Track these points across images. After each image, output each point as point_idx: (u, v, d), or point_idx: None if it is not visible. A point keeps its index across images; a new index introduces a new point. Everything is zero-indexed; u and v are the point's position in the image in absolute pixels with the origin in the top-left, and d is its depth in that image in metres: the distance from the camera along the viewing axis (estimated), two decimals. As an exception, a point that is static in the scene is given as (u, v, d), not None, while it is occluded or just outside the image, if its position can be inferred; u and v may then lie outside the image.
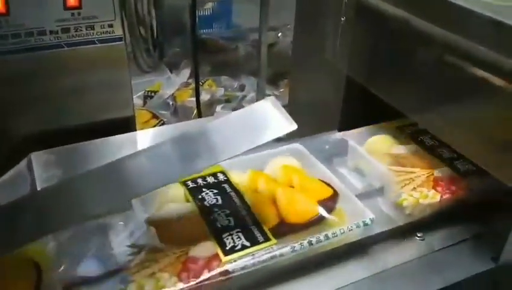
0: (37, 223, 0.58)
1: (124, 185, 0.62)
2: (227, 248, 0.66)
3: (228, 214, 0.72)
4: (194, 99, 1.77)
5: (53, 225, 0.59)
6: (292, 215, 0.73)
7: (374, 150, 0.91)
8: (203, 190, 0.76)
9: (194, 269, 0.64)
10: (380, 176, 0.85)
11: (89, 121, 1.04)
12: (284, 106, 0.66)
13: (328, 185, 0.80)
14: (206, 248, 0.67)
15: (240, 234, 0.68)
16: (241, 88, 2.17)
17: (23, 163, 0.81)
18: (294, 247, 0.68)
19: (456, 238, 0.80)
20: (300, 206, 0.75)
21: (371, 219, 0.73)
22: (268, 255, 0.66)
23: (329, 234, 0.70)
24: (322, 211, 0.73)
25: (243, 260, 0.65)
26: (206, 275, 0.63)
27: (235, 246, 0.67)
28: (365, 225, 0.73)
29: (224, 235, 0.68)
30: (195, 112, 1.79)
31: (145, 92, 2.04)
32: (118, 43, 1.01)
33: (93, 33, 0.98)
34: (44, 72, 0.97)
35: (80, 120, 1.04)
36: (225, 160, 0.70)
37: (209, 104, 2.00)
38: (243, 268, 0.65)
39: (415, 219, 0.80)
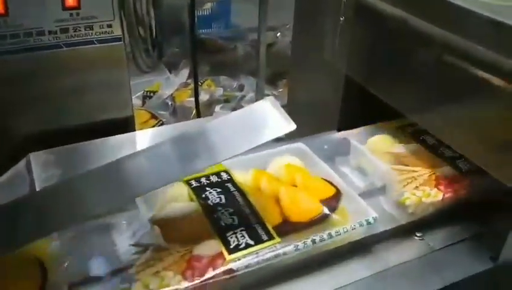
0: (36, 223, 0.58)
1: (123, 185, 0.62)
2: (231, 247, 0.67)
3: (232, 212, 0.72)
4: (193, 99, 1.77)
5: (53, 225, 0.59)
6: (295, 214, 0.73)
7: (376, 149, 0.91)
8: (207, 189, 0.77)
9: (199, 268, 0.64)
10: (382, 175, 0.85)
11: (88, 121, 1.05)
12: (282, 106, 0.66)
13: (331, 183, 0.80)
14: (210, 247, 0.67)
15: (244, 233, 0.69)
16: (240, 88, 2.16)
17: (22, 163, 0.81)
18: (298, 246, 0.68)
19: (455, 238, 0.80)
20: (303, 205, 0.75)
21: (374, 218, 0.73)
22: (272, 254, 0.67)
23: (333, 233, 0.71)
24: (325, 210, 0.74)
25: (247, 258, 0.65)
26: (210, 273, 0.63)
27: (239, 245, 0.67)
28: (368, 223, 0.73)
29: (228, 234, 0.68)
30: (194, 112, 1.79)
31: (144, 92, 2.03)
32: (116, 43, 1.01)
33: (92, 33, 0.98)
34: (43, 72, 0.97)
35: (79, 120, 1.04)
36: (224, 160, 0.71)
37: (208, 104, 2.00)
38: (247, 267, 0.65)
39: (417, 217, 0.80)
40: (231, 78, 2.22)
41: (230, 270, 0.64)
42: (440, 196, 0.80)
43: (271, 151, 0.86)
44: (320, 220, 0.73)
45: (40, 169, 0.80)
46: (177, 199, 0.75)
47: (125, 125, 1.09)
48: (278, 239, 0.68)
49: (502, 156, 0.70)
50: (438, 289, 0.72)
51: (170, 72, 2.20)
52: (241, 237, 0.68)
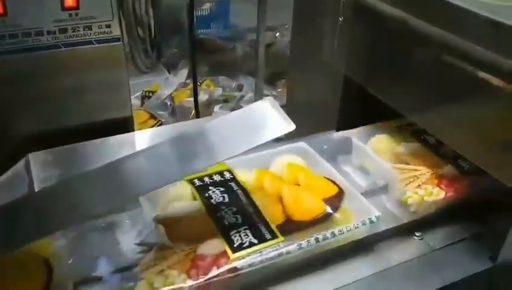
0: (36, 223, 0.58)
1: (122, 186, 0.62)
2: (235, 245, 0.67)
3: (235, 211, 0.72)
4: (192, 99, 1.77)
5: (52, 225, 0.59)
6: (298, 213, 0.74)
7: (378, 148, 0.91)
8: (210, 188, 0.77)
9: (203, 266, 0.64)
10: (384, 173, 0.85)
11: (86, 121, 1.04)
12: (281, 106, 0.66)
13: (333, 182, 0.80)
14: (214, 245, 0.67)
15: (248, 232, 0.69)
16: (239, 88, 2.17)
17: (21, 163, 0.81)
18: (301, 244, 0.68)
19: (455, 238, 0.80)
20: (306, 203, 0.75)
21: (377, 217, 0.74)
22: (276, 253, 0.67)
23: (336, 232, 0.71)
24: (328, 209, 0.74)
25: (251, 257, 0.66)
26: (214, 272, 0.64)
27: (243, 244, 0.67)
28: (371, 222, 0.73)
29: (231, 233, 0.69)
30: (193, 112, 1.79)
31: (143, 93, 2.03)
32: (115, 43, 1.01)
33: (90, 33, 0.98)
34: (41, 72, 0.97)
35: (78, 120, 1.04)
36: (224, 160, 0.70)
37: (207, 104, 2.00)
38: (250, 265, 0.65)
39: (419, 216, 0.80)
40: (230, 78, 2.22)
41: (234, 269, 0.64)
42: (442, 195, 0.80)
43: (273, 151, 0.86)
44: (323, 219, 0.73)
45: (39, 169, 0.80)
46: (181, 198, 0.76)
47: (124, 125, 1.09)
48: (281, 238, 0.68)
49: (501, 156, 0.70)
50: (437, 288, 0.72)
51: (169, 72, 2.20)
52: (244, 235, 0.68)
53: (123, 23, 1.21)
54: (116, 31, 1.00)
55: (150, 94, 2.03)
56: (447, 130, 0.79)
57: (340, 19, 0.96)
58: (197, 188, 0.77)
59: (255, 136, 0.64)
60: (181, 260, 0.65)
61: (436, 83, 0.79)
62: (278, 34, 2.47)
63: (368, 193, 0.82)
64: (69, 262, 0.66)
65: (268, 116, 0.64)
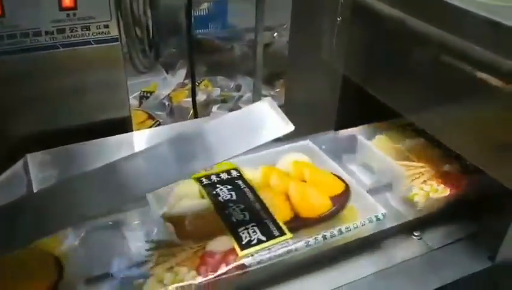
0: (35, 223, 0.58)
1: (121, 186, 0.62)
2: (243, 243, 0.67)
3: (243, 209, 0.73)
4: (190, 99, 1.77)
5: (51, 225, 0.59)
6: (306, 209, 0.74)
7: (382, 146, 0.91)
8: (217, 186, 0.77)
9: (212, 263, 0.65)
10: (389, 171, 0.86)
11: (85, 121, 1.04)
12: (279, 106, 0.66)
13: (340, 179, 0.81)
14: (222, 243, 0.67)
15: (256, 229, 0.69)
16: (237, 88, 2.17)
17: (19, 164, 0.81)
18: (309, 241, 0.69)
19: (453, 237, 0.80)
20: (313, 200, 0.76)
21: (383, 214, 0.74)
22: (284, 250, 0.67)
23: (343, 229, 0.71)
24: (335, 206, 0.75)
25: (259, 254, 0.66)
26: (223, 269, 0.64)
27: (251, 241, 0.67)
28: (378, 220, 0.74)
29: (240, 230, 0.69)
30: (191, 112, 1.79)
31: (141, 93, 2.03)
32: (113, 43, 1.01)
33: (88, 34, 0.98)
34: (40, 72, 0.97)
35: (76, 121, 1.04)
36: (223, 161, 0.71)
37: (205, 105, 2.00)
38: (259, 262, 0.66)
39: (424, 213, 0.81)
40: (228, 78, 2.22)
41: (243, 266, 0.65)
42: (447, 192, 0.81)
43: (279, 149, 0.87)
44: (330, 216, 0.74)
45: (37, 170, 0.80)
46: (188, 196, 0.76)
47: (123, 125, 1.09)
48: (289, 235, 0.69)
49: (500, 157, 0.70)
50: (436, 288, 0.72)
51: (167, 73, 2.20)
52: (252, 232, 0.69)
53: (121, 23, 1.21)
54: (114, 31, 1.00)
55: (148, 94, 2.03)
56: (446, 130, 0.79)
57: (339, 19, 0.96)
58: (205, 186, 0.77)
59: (254, 137, 0.64)
60: (190, 257, 0.66)
61: (435, 83, 0.79)
62: (276, 34, 2.47)
63: (373, 191, 0.82)
64: (80, 260, 0.67)
65: (267, 117, 0.64)
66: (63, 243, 0.68)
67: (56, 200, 0.61)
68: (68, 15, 0.94)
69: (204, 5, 2.53)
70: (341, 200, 0.76)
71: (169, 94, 2.03)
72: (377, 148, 0.90)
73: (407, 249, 0.78)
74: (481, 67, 0.69)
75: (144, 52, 1.62)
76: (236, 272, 0.64)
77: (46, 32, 0.94)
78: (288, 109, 1.17)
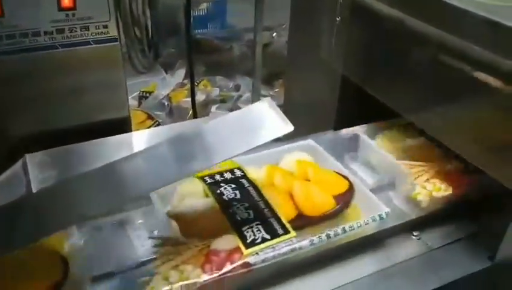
0: (34, 224, 0.58)
1: (120, 186, 0.62)
2: (248, 241, 0.67)
3: (247, 207, 0.73)
4: (189, 99, 1.77)
5: (51, 226, 0.59)
6: (309, 208, 0.74)
7: (385, 145, 0.92)
8: (221, 184, 0.77)
9: (217, 262, 0.65)
10: (392, 169, 0.86)
11: (84, 121, 1.04)
12: (279, 106, 0.66)
13: (344, 177, 0.81)
14: (227, 241, 0.68)
15: (260, 227, 0.69)
16: (237, 88, 2.16)
17: (18, 164, 0.81)
18: (313, 240, 0.69)
19: (453, 237, 0.80)
20: (317, 199, 0.76)
21: (387, 213, 0.74)
22: (289, 248, 0.67)
23: (347, 227, 0.71)
24: (339, 204, 0.75)
25: (264, 252, 0.66)
26: (228, 267, 0.64)
27: (256, 239, 0.68)
28: (381, 218, 0.74)
29: (244, 229, 0.69)
30: (190, 112, 1.79)
31: (140, 93, 2.03)
32: (112, 43, 1.01)
33: (88, 34, 0.98)
34: (39, 73, 0.97)
35: (75, 121, 1.04)
36: (222, 161, 0.71)
37: (205, 105, 2.00)
38: (263, 261, 0.66)
39: (427, 212, 0.81)
40: (227, 78, 2.22)
41: (248, 264, 0.65)
42: (450, 191, 0.81)
43: (282, 148, 0.87)
44: (334, 215, 0.74)
45: (36, 170, 0.80)
46: (193, 195, 0.76)
47: (122, 125, 1.09)
48: (293, 233, 0.69)
49: (499, 157, 0.70)
50: (435, 288, 0.72)
51: (166, 73, 2.20)
52: (257, 231, 0.69)
53: (120, 23, 1.21)
54: (113, 32, 1.00)
55: (147, 94, 2.02)
56: (445, 130, 0.79)
57: (338, 18, 0.96)
58: (209, 185, 0.77)
59: (253, 137, 0.64)
60: (195, 255, 0.66)
61: (434, 82, 0.79)
62: (275, 34, 2.47)
63: (375, 190, 0.82)
64: (85, 258, 0.67)
65: (267, 117, 0.64)
66: (68, 242, 0.68)
67: (56, 200, 0.61)
68: (67, 15, 0.94)
69: (203, 5, 2.53)
70: (345, 198, 0.77)
71: (168, 94, 2.03)
72: (379, 147, 0.90)
73: (406, 249, 0.78)
74: (480, 67, 0.69)
75: (143, 52, 1.62)
76: (241, 271, 0.65)
77: (45, 33, 0.94)
78: (288, 109, 1.17)
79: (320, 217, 0.73)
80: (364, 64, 0.94)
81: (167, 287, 0.62)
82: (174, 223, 0.70)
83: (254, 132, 0.64)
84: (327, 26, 0.99)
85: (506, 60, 0.64)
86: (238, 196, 0.75)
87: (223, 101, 2.06)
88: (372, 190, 0.81)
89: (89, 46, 0.99)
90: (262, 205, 0.73)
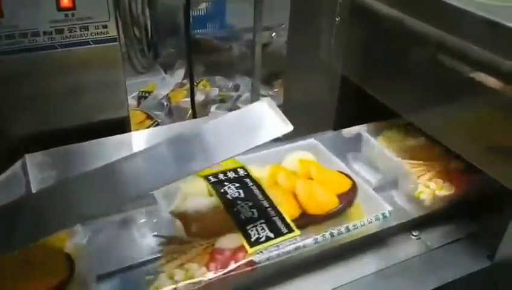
0: (34, 224, 0.58)
1: (120, 187, 0.62)
2: (252, 240, 0.68)
3: (251, 206, 0.73)
4: (188, 99, 1.77)
5: (50, 226, 0.59)
6: (313, 207, 0.75)
7: (388, 143, 0.92)
8: (225, 183, 0.78)
9: (222, 260, 0.66)
10: (394, 168, 0.86)
11: (83, 121, 1.04)
12: (278, 106, 0.66)
13: (347, 176, 0.82)
14: (231, 240, 0.68)
15: (264, 226, 0.70)
16: (236, 88, 2.16)
17: (18, 164, 0.81)
18: (317, 238, 0.69)
19: (452, 237, 0.80)
20: (321, 198, 0.76)
21: (390, 212, 0.75)
22: (293, 246, 0.68)
23: (350, 226, 0.72)
24: (342, 203, 0.75)
25: (268, 251, 0.67)
26: (232, 265, 0.65)
27: (260, 238, 0.68)
28: (384, 217, 0.74)
29: (248, 227, 0.70)
30: (189, 112, 1.79)
31: (139, 93, 2.03)
32: (112, 43, 1.00)
33: (87, 34, 0.97)
34: (38, 73, 0.97)
35: (75, 121, 1.03)
36: (221, 161, 0.71)
37: (204, 105, 2.00)
38: (268, 259, 0.66)
39: (429, 211, 0.81)
40: (226, 78, 2.22)
41: (252, 263, 0.66)
42: (452, 190, 0.81)
43: (285, 148, 0.88)
44: (337, 214, 0.75)
45: (36, 170, 0.80)
46: (197, 194, 0.77)
47: (121, 126, 1.08)
48: (297, 232, 0.69)
49: (499, 157, 0.70)
50: (435, 287, 0.72)
51: (165, 73, 2.19)
52: (261, 229, 0.69)
53: (120, 23, 1.21)
54: (112, 32, 1.00)
55: (147, 94, 2.02)
56: (445, 130, 0.79)
57: (337, 19, 0.96)
58: (213, 184, 0.77)
59: (253, 137, 0.64)
60: (200, 253, 0.67)
61: (433, 83, 0.79)
62: (274, 34, 2.47)
63: (378, 189, 0.83)
64: (90, 256, 0.68)
65: (266, 117, 0.64)
66: (74, 241, 0.69)
67: (55, 201, 0.61)
68: (66, 15, 0.94)
69: (203, 5, 2.53)
70: (348, 197, 0.77)
71: (167, 94, 2.03)
72: (382, 146, 0.91)
73: (406, 249, 0.78)
74: (480, 67, 0.69)
75: (143, 52, 1.62)
76: (246, 269, 0.65)
77: (45, 33, 0.94)
78: (287, 108, 1.17)
79: (324, 215, 0.74)
80: (364, 65, 0.94)
81: (172, 286, 0.62)
82: (178, 222, 0.71)
83: (253, 131, 0.64)
84: (327, 26, 0.99)
85: (506, 60, 0.64)
86: (242, 195, 0.75)
87: (222, 101, 2.06)
88: (375, 189, 0.81)
89: (88, 46, 0.98)
90: (266, 203, 0.74)
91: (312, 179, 0.80)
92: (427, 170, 0.85)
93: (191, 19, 1.57)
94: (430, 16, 0.76)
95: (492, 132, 0.71)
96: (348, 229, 0.71)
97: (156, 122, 1.85)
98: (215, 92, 2.10)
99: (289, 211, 0.73)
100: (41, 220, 0.58)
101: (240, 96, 2.09)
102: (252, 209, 0.72)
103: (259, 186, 0.77)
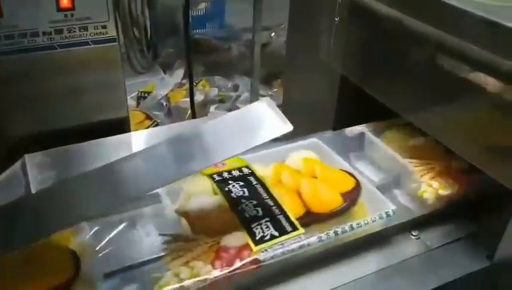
0: (34, 224, 0.58)
1: (119, 187, 0.62)
2: (257, 238, 0.68)
3: (256, 205, 0.73)
4: (187, 99, 1.77)
5: (50, 226, 0.59)
6: (317, 205, 0.75)
7: (390, 143, 0.92)
8: (230, 182, 0.78)
9: (227, 258, 0.66)
10: (397, 167, 0.87)
11: (82, 122, 1.04)
12: (277, 106, 0.66)
13: (351, 175, 0.82)
14: (236, 238, 0.69)
15: (269, 224, 0.70)
16: (235, 88, 2.17)
17: (17, 165, 0.81)
18: (321, 237, 0.70)
19: (452, 237, 0.81)
20: (325, 196, 0.77)
21: (393, 210, 0.75)
22: (297, 245, 0.68)
23: (354, 225, 0.72)
24: (346, 202, 0.76)
25: (273, 249, 0.67)
26: (238, 263, 0.65)
27: (265, 236, 0.69)
28: (388, 216, 0.75)
29: (253, 226, 0.70)
30: (189, 112, 1.79)
31: (138, 93, 2.03)
32: (111, 44, 1.00)
33: (86, 34, 0.97)
34: (37, 73, 0.97)
35: (74, 121, 1.03)
36: (220, 161, 0.71)
37: (203, 105, 2.00)
38: (272, 257, 0.67)
39: (432, 209, 0.81)
40: (226, 78, 2.22)
41: (257, 261, 0.66)
42: (456, 189, 0.82)
43: (288, 146, 0.88)
44: (341, 212, 0.75)
45: (35, 171, 0.80)
46: (201, 192, 0.77)
47: (120, 126, 1.08)
48: (301, 230, 0.70)
49: (499, 157, 0.71)
50: (434, 287, 0.72)
51: (165, 73, 2.20)
52: (266, 228, 0.70)
53: (119, 23, 1.21)
54: (112, 32, 0.99)
55: (146, 94, 2.02)
56: (444, 130, 0.79)
57: (336, 18, 0.96)
58: (217, 182, 0.78)
59: (252, 137, 0.64)
60: (205, 251, 0.67)
61: (433, 82, 0.79)
62: (273, 33, 2.47)
63: (381, 188, 0.83)
64: (96, 254, 0.68)
65: (266, 117, 0.64)
66: (79, 238, 0.69)
67: (55, 201, 0.61)
68: (66, 15, 0.94)
69: (202, 5, 2.53)
70: (352, 196, 0.77)
71: (167, 94, 2.03)
72: (384, 145, 0.91)
73: (405, 249, 0.78)
74: (479, 67, 0.69)
75: (142, 53, 1.62)
76: (251, 267, 0.66)
77: (44, 33, 0.94)
78: (286, 109, 1.17)
79: (328, 214, 0.74)
80: (363, 64, 0.94)
81: (178, 284, 0.63)
82: (183, 221, 0.71)
83: (253, 131, 0.65)
84: (326, 26, 0.99)
85: (505, 60, 0.64)
86: (247, 193, 0.76)
87: (221, 101, 2.06)
88: (378, 188, 0.81)
89: (88, 46, 0.98)
90: (270, 202, 0.74)
91: (316, 178, 0.81)
92: (429, 169, 0.85)
93: (190, 19, 1.57)
94: (429, 15, 0.76)
95: (492, 132, 0.71)
96: (352, 228, 0.72)
97: (156, 123, 1.85)
98: (214, 92, 2.10)
99: (293, 210, 0.73)
100: (40, 220, 0.58)
101: (239, 96, 2.09)
102: (257, 208, 0.73)
103: (263, 185, 0.77)
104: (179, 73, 2.17)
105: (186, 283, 0.63)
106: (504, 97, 0.67)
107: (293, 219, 0.71)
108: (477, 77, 0.70)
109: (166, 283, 0.63)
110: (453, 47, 0.72)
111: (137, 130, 1.43)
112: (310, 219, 0.73)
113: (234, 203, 0.74)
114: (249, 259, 0.66)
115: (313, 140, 0.91)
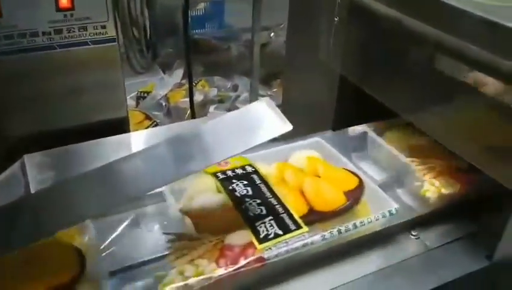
0: (34, 224, 0.58)
1: (119, 187, 0.62)
2: (261, 236, 0.68)
3: (259, 203, 0.74)
4: (187, 99, 1.77)
5: (50, 226, 0.59)
6: (320, 204, 0.75)
7: (393, 142, 0.92)
8: (233, 181, 0.78)
9: (231, 256, 0.66)
10: (400, 167, 0.87)
11: (82, 122, 1.04)
12: (277, 106, 0.66)
13: (354, 174, 0.82)
14: (241, 236, 0.69)
15: (272, 222, 0.70)
16: (235, 88, 2.16)
17: (17, 165, 0.81)
18: (325, 235, 0.70)
19: (451, 237, 0.81)
20: (328, 195, 0.77)
21: (396, 209, 0.75)
22: (301, 243, 0.68)
23: (357, 223, 0.72)
24: (349, 200, 0.76)
25: (277, 247, 0.67)
26: (242, 262, 0.65)
27: (269, 235, 0.69)
28: (391, 214, 0.75)
29: (257, 224, 0.70)
30: (188, 112, 1.79)
31: (138, 93, 2.03)
32: (111, 44, 1.01)
33: (86, 34, 0.97)
34: (37, 73, 0.97)
35: (73, 121, 1.03)
36: (220, 161, 0.71)
37: (203, 105, 2.00)
38: (276, 255, 0.67)
39: (434, 208, 0.81)
40: (225, 78, 2.22)
41: (261, 259, 0.66)
42: (458, 187, 0.82)
43: (291, 146, 0.89)
44: (344, 211, 0.75)
45: (35, 171, 0.80)
46: (205, 191, 0.77)
47: (120, 126, 1.09)
48: (305, 228, 0.70)
49: (498, 157, 0.71)
50: (434, 287, 0.72)
51: (164, 73, 2.19)
52: (269, 226, 0.70)
53: (118, 23, 1.21)
54: (111, 32, 1.00)
55: (145, 94, 2.02)
56: (444, 130, 0.79)
57: (336, 18, 0.96)
58: (221, 181, 0.78)
59: (251, 137, 0.64)
60: (210, 249, 0.67)
61: (432, 82, 0.79)
62: (272, 34, 2.47)
63: (383, 187, 0.83)
64: (101, 252, 0.68)
65: (265, 117, 0.65)
66: (84, 236, 0.69)
67: (55, 201, 0.61)
68: (65, 15, 0.94)
69: (201, 5, 2.53)
70: (355, 195, 0.78)
71: (166, 94, 2.03)
72: (387, 144, 0.91)
73: (404, 249, 0.78)
74: (478, 67, 0.69)
75: (141, 53, 1.62)
76: (255, 265, 0.66)
77: (43, 33, 0.94)
78: (286, 109, 1.17)
79: (331, 212, 0.74)
80: (363, 64, 0.94)
81: (183, 282, 0.63)
82: (187, 219, 0.72)
83: (252, 131, 0.65)
84: (325, 26, 0.99)
85: (505, 60, 0.64)
86: (250, 192, 0.76)
87: (221, 101, 2.06)
88: (380, 187, 0.82)
89: (87, 46, 0.99)
90: (274, 201, 0.74)
91: (319, 177, 0.81)
92: (430, 168, 0.85)
93: (189, 19, 1.57)
94: (428, 15, 0.76)
95: (492, 132, 0.71)
96: (355, 226, 0.72)
97: (155, 123, 1.85)
98: (213, 92, 2.09)
99: (297, 208, 0.73)
100: (40, 220, 0.58)
101: (238, 96, 2.09)
102: (261, 206, 0.73)
103: (266, 184, 0.78)
104: (178, 73, 2.17)
105: (191, 281, 0.63)
106: (503, 97, 0.67)
107: (296, 217, 0.71)
108: (476, 76, 0.70)
109: (171, 281, 0.63)
110: (452, 47, 0.72)
111: (136, 130, 1.43)
112: (314, 217, 0.73)
113: (238, 201, 0.74)
114: (253, 257, 0.66)
115: (315, 139, 0.91)
